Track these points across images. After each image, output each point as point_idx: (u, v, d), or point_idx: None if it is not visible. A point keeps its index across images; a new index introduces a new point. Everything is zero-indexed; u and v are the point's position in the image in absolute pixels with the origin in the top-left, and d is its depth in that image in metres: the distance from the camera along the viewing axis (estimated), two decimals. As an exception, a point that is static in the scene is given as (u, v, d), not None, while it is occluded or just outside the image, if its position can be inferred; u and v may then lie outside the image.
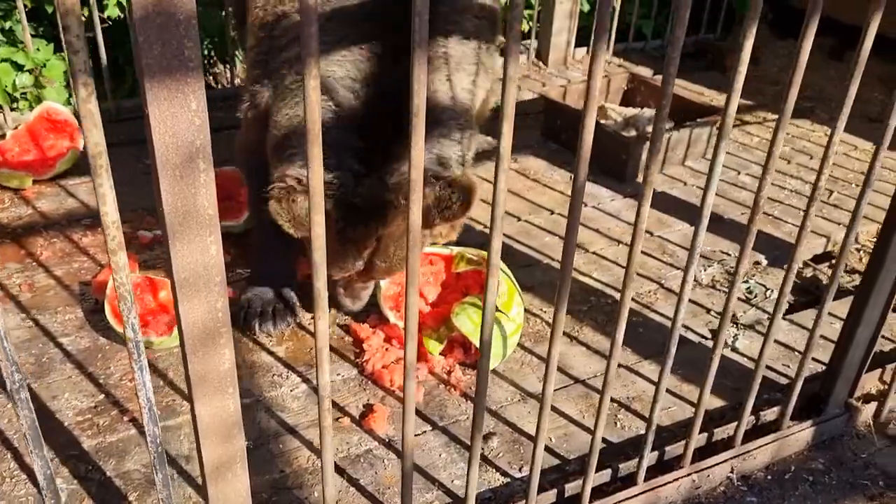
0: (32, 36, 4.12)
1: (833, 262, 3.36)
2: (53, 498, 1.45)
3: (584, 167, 1.53)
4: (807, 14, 1.62)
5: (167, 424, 2.38)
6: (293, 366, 2.63)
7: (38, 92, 3.95)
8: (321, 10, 2.34)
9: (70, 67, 0.98)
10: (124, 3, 4.01)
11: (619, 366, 2.72)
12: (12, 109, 3.96)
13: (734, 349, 2.82)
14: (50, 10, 3.86)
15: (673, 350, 1.98)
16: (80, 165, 3.64)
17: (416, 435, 2.40)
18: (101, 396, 2.46)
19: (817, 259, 3.47)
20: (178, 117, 1.10)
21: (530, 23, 5.08)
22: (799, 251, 2.08)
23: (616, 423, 2.50)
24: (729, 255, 3.36)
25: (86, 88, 1.00)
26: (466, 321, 2.56)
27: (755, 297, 3.12)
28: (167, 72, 1.06)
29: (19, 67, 3.86)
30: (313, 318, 2.45)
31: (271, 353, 2.68)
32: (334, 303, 2.67)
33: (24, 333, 2.68)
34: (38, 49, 3.96)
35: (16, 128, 3.70)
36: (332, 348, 2.72)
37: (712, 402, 2.58)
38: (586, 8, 5.32)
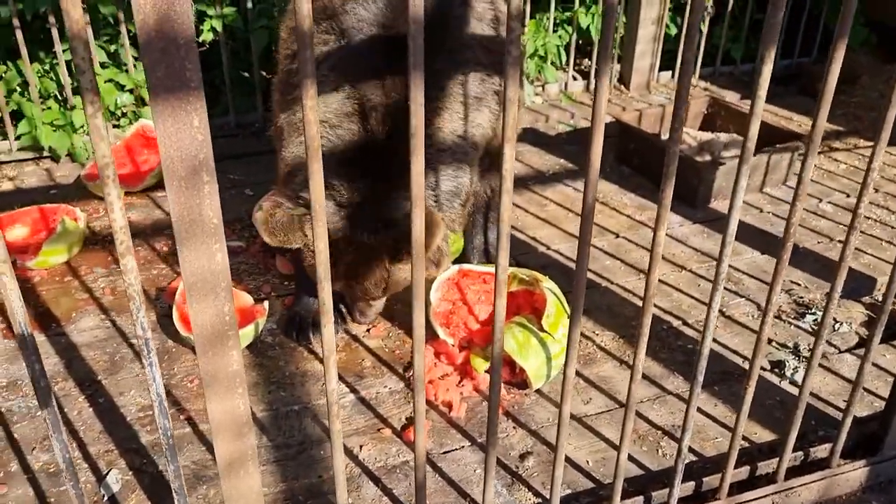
0: (135, 58, 4.44)
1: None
2: (72, 479, 1.57)
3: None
4: None
5: (207, 427, 2.50)
6: (343, 375, 2.72)
7: (138, 110, 4.25)
8: (324, 49, 2.47)
9: (79, 86, 1.09)
10: (218, 28, 4.26)
11: (669, 392, 2.68)
12: (115, 126, 4.26)
13: (793, 382, 2.72)
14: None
15: (700, 378, 1.94)
16: (169, 179, 3.89)
17: (454, 449, 2.44)
18: (247, 396, 2.62)
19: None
20: (182, 133, 1.19)
21: (614, 47, 5.07)
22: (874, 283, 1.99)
23: (658, 450, 2.46)
24: (799, 284, 3.24)
25: (92, 105, 1.10)
26: (511, 340, 2.58)
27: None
28: (171, 91, 1.16)
29: (121, 87, 4.16)
30: (368, 330, 2.56)
31: (322, 362, 2.77)
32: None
33: (101, 333, 2.89)
34: (136, 67, 4.26)
35: (116, 143, 3.99)
36: (382, 360, 2.80)
37: (762, 435, 2.51)
38: (673, 31, 5.25)
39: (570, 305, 1.70)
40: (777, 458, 2.24)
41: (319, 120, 2.46)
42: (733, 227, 1.73)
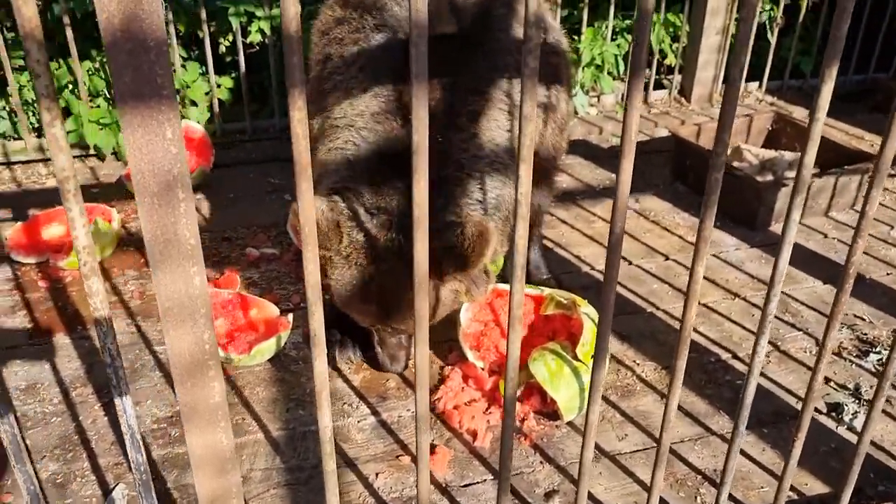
0: (185, 59, 4.42)
1: None
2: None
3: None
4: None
5: (234, 442, 2.40)
6: (366, 396, 2.60)
7: (184, 111, 4.22)
8: (354, 49, 2.33)
9: (35, 92, 0.99)
10: (266, 30, 4.20)
11: (712, 433, 2.47)
12: (160, 126, 4.24)
13: (851, 428, 2.48)
14: (201, 35, 4.11)
15: (744, 419, 1.75)
16: (208, 182, 3.84)
17: (475, 483, 2.29)
18: (179, 408, 2.53)
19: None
20: (154, 145, 1.08)
21: (676, 57, 4.85)
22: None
23: (697, 497, 2.26)
24: (863, 319, 2.98)
25: (49, 113, 1.00)
26: (542, 368, 2.42)
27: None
28: (140, 98, 1.04)
29: (167, 87, 4.13)
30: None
31: (347, 381, 2.66)
32: (377, 363, 2.61)
33: (125, 338, 2.83)
34: (184, 67, 4.23)
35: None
36: (407, 382, 2.67)
37: (814, 486, 2.29)
38: (739, 42, 5.00)
39: (597, 338, 1.53)
40: (828, 517, 2.02)
41: (346, 124, 2.37)
42: (786, 256, 1.54)
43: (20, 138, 4.13)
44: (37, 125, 4.16)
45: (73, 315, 2.95)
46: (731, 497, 2.26)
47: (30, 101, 4.14)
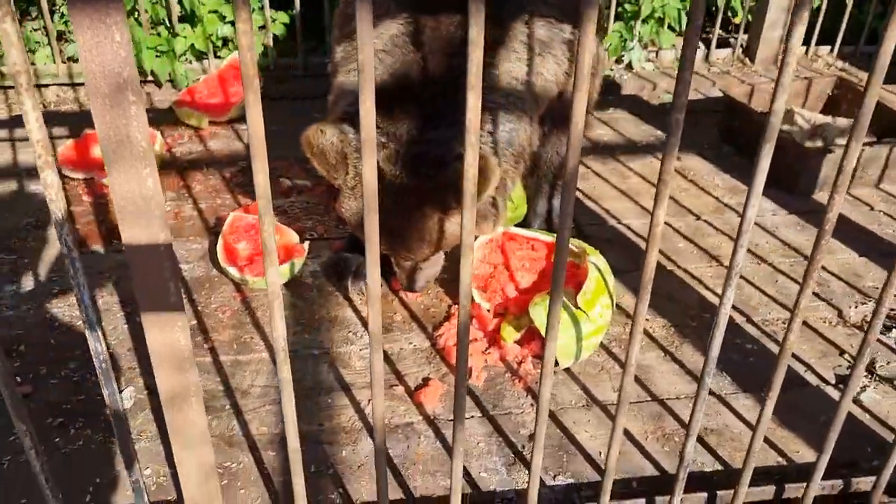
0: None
1: None
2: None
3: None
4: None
5: (238, 359, 2.52)
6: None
7: (236, 43, 4.30)
8: None
9: (-15, -12, 1.04)
10: (323, -34, 4.23)
11: (711, 393, 2.45)
12: (216, 56, 4.35)
13: (857, 401, 2.42)
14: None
15: (709, 377, 1.72)
16: (255, 113, 3.93)
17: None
18: (193, 322, 2.65)
19: None
20: (103, 47, 1.13)
21: (745, 14, 4.66)
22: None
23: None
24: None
25: (1, 9, 1.05)
26: (542, 313, 2.43)
27: (911, 347, 2.65)
28: (87, 1, 1.09)
29: (223, 18, 4.23)
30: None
31: (356, 311, 2.73)
32: (396, 279, 2.67)
33: (154, 255, 2.96)
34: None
35: (212, 73, 4.08)
36: (414, 316, 2.72)
37: (806, 455, 2.25)
38: (815, 3, 4.76)
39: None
40: (804, 484, 1.99)
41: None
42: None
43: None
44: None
45: (111, 229, 3.10)
46: (716, 456, 2.25)
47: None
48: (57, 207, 1.22)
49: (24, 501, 2.05)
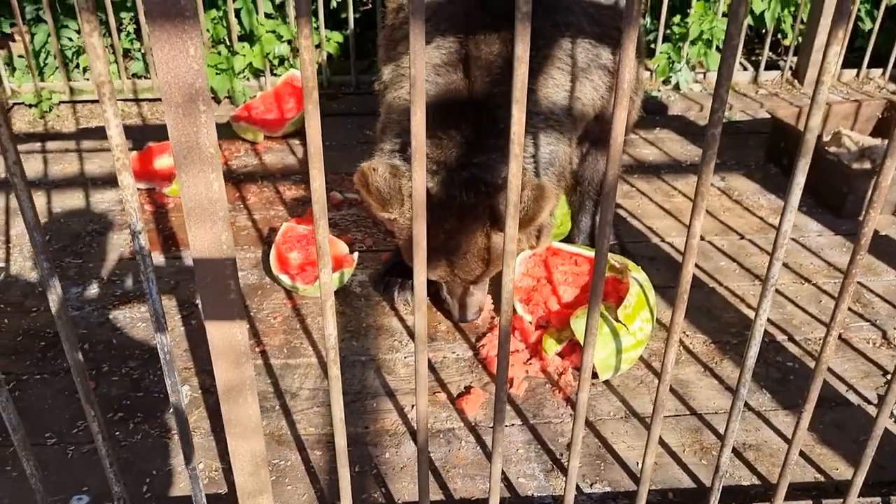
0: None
1: None
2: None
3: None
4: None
5: (288, 362, 2.62)
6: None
7: (293, 60, 4.46)
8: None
9: (76, 4, 1.16)
10: (377, -12, 4.37)
11: (750, 409, 2.47)
12: (273, 74, 4.51)
13: (893, 417, 2.42)
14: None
15: (744, 390, 1.76)
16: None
17: (504, 426, 2.39)
18: (246, 327, 2.75)
19: None
20: (178, 60, 1.24)
21: (794, 38, 4.66)
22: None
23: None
24: (943, 318, 2.86)
25: (89, 24, 1.17)
26: (583, 325, 2.47)
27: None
28: (166, 17, 1.20)
29: (280, 38, 4.39)
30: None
31: (401, 321, 2.81)
32: (446, 311, 2.76)
33: (210, 262, 3.09)
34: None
35: (267, 90, 4.23)
36: (458, 328, 2.79)
37: (845, 472, 2.25)
38: (867, 25, 4.75)
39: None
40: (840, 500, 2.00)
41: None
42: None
43: (149, 77, 4.51)
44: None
45: (169, 237, 3.25)
46: (754, 471, 2.27)
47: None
48: (132, 208, 1.32)
49: (85, 489, 2.17)
